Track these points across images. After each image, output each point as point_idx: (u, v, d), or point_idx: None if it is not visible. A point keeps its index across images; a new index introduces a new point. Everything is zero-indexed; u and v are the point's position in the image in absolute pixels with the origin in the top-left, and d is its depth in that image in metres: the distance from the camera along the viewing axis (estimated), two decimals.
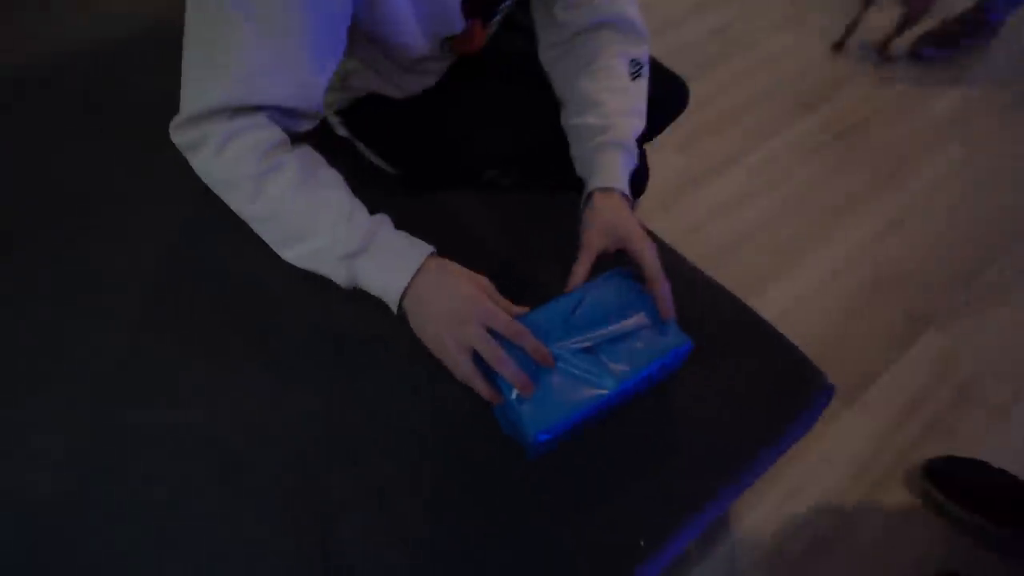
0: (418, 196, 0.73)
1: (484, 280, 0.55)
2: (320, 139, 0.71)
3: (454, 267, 0.54)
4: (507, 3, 0.67)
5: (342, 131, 0.75)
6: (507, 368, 0.50)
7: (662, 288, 0.56)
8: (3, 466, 0.52)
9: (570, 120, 0.68)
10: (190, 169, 0.52)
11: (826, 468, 1.00)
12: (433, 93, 0.75)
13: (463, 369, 0.51)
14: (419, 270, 0.52)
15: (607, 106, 0.65)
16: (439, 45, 0.64)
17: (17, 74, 0.82)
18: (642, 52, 0.68)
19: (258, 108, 0.49)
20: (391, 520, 0.52)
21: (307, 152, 0.56)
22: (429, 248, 0.54)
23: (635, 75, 0.68)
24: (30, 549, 0.49)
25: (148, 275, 0.65)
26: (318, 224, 0.51)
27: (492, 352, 0.50)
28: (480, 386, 0.51)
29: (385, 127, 0.73)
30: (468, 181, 0.75)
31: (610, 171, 0.63)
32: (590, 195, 0.63)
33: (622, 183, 0.63)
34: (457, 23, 0.61)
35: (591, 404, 0.52)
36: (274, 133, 0.51)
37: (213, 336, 0.61)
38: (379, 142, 0.75)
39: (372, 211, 0.55)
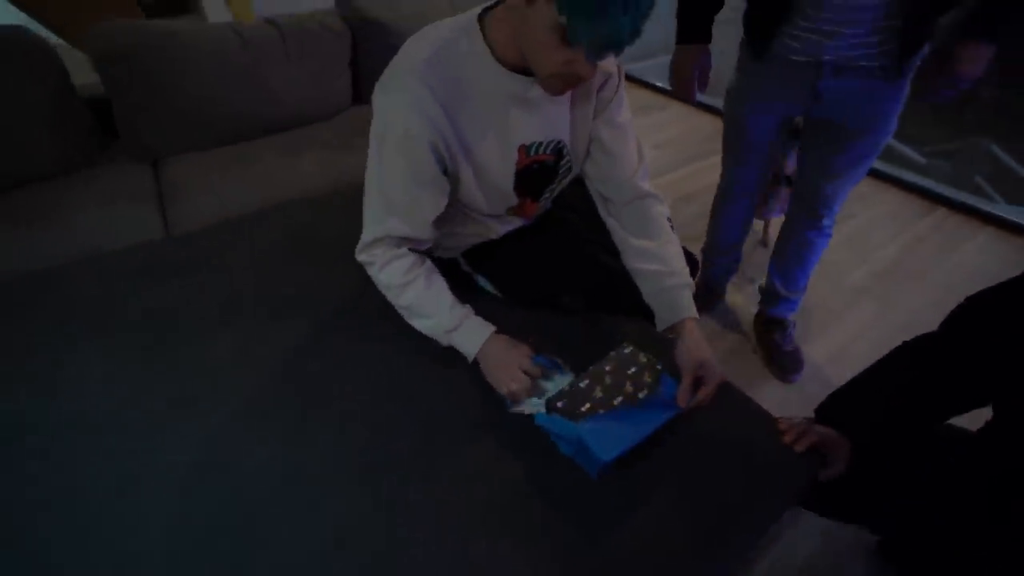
0: (513, 309, 1.04)
1: (524, 347, 0.90)
2: (451, 272, 1.08)
3: (507, 341, 0.90)
4: (552, 187, 0.99)
5: (465, 267, 1.09)
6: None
7: (691, 400, 0.83)
8: None
9: (635, 264, 0.97)
10: None
11: None
12: (525, 234, 1.08)
13: (513, 387, 0.85)
14: (485, 342, 0.89)
15: (670, 257, 0.95)
16: (504, 210, 0.98)
17: None
18: (668, 211, 0.99)
19: (401, 239, 0.88)
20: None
21: (430, 267, 0.93)
22: (492, 329, 0.91)
23: (670, 224, 0.98)
24: None
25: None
26: (434, 311, 0.90)
27: (516, 393, 0.86)
28: (523, 393, 0.85)
29: (492, 263, 1.07)
30: (549, 302, 1.05)
31: (688, 304, 0.91)
32: (681, 322, 0.90)
33: (696, 312, 0.92)
34: (513, 199, 0.95)
35: (642, 431, 0.78)
36: (412, 257, 0.89)
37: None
38: (488, 273, 1.08)
39: (476, 311, 0.91)
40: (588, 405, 0.80)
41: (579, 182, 1.20)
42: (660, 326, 0.93)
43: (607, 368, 0.87)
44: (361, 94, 1.84)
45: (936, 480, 0.80)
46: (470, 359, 0.90)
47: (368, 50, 1.76)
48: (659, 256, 0.94)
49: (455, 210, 0.97)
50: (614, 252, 1.01)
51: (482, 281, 1.09)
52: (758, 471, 0.81)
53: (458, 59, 0.79)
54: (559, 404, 0.81)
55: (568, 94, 0.87)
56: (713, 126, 1.53)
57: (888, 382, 0.83)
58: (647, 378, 0.86)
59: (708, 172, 1.68)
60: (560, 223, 1.13)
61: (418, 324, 0.91)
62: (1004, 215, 2.34)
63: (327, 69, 1.71)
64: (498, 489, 0.76)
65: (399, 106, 0.78)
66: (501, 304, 1.06)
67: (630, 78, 3.52)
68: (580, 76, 0.72)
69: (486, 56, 0.79)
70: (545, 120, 0.87)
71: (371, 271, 0.91)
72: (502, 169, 0.89)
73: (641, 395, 0.84)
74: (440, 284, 0.92)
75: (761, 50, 1.20)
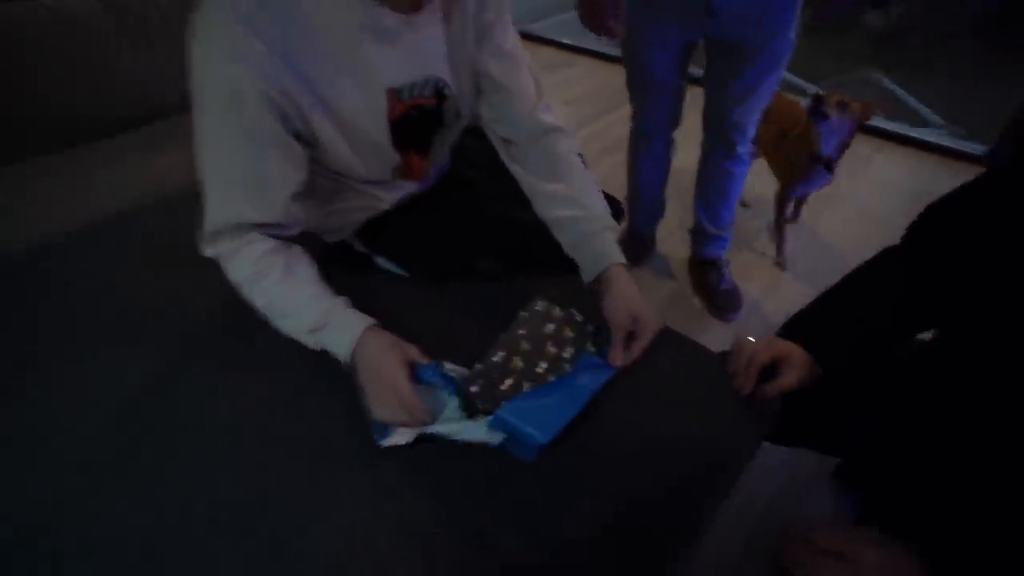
0: (419, 288, 0.90)
1: (410, 350, 0.71)
2: (343, 256, 0.93)
3: (383, 343, 0.70)
4: (440, 136, 0.83)
5: (360, 248, 0.95)
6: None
7: (625, 356, 0.76)
8: None
9: (550, 213, 0.85)
10: None
11: None
12: (422, 200, 0.94)
13: (382, 416, 0.68)
14: (358, 341, 0.70)
15: (587, 200, 0.83)
16: (389, 173, 0.82)
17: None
18: (577, 145, 0.87)
19: (252, 225, 0.70)
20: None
21: (295, 254, 0.75)
22: (366, 323, 0.71)
23: (581, 162, 0.86)
24: None
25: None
26: (294, 307, 0.72)
27: (392, 418, 0.68)
28: (413, 417, 0.67)
29: (390, 238, 0.92)
30: (462, 272, 0.92)
31: (611, 249, 0.81)
32: (607, 271, 0.80)
33: (622, 256, 0.81)
34: (394, 157, 0.78)
35: (580, 401, 0.68)
36: (265, 243, 0.72)
37: None
38: (387, 250, 0.94)
39: (383, 306, 0.73)
40: (509, 381, 0.69)
41: (479, 134, 1.08)
42: (586, 278, 0.83)
43: (521, 332, 0.76)
44: None
45: (896, 397, 0.75)
46: (345, 365, 0.71)
47: None
48: (574, 200, 0.83)
49: (332, 182, 0.82)
50: (527, 204, 0.90)
51: (382, 261, 0.95)
52: (716, 418, 0.73)
53: None
54: (473, 388, 0.69)
55: (437, 22, 0.73)
56: (623, 77, 1.45)
57: (856, 298, 0.77)
58: (568, 332, 0.76)
59: (623, 123, 1.61)
60: (461, 183, 1.00)
61: (282, 327, 0.73)
62: (903, 131, 2.41)
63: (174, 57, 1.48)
64: (410, 503, 0.64)
65: (218, 58, 0.61)
66: (406, 284, 0.92)
67: (533, 37, 3.40)
68: None
69: None
70: (413, 55, 0.73)
71: (224, 268, 0.73)
72: (372, 121, 0.74)
73: (566, 354, 0.74)
74: (304, 273, 0.74)
75: None
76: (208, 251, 0.73)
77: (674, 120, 1.47)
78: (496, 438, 0.64)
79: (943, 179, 2.17)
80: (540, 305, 0.80)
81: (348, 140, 0.74)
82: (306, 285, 0.74)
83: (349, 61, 0.68)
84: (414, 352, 0.71)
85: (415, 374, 0.69)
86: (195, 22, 0.62)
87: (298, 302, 0.72)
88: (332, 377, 0.73)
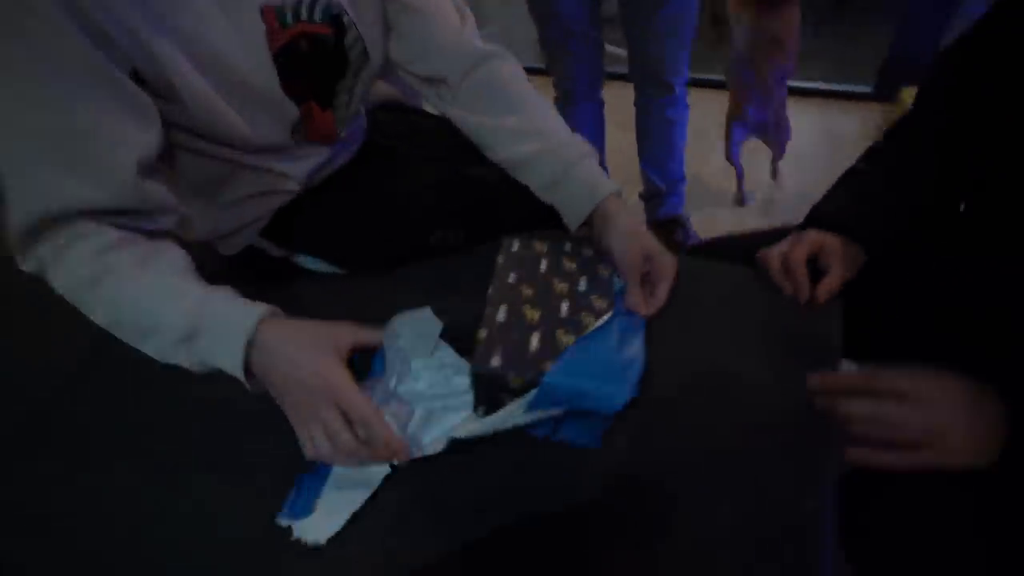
0: (365, 284, 0.69)
1: (343, 331, 0.50)
2: (251, 268, 0.70)
3: (296, 333, 0.49)
4: (345, 82, 0.64)
5: (276, 251, 0.73)
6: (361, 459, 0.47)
7: (650, 304, 0.58)
8: None
9: (512, 153, 0.66)
10: None
11: None
12: (341, 176, 0.73)
13: (314, 437, 0.47)
14: (251, 344, 0.47)
15: (550, 126, 0.66)
16: (287, 134, 0.62)
17: None
18: (518, 66, 0.70)
19: (79, 212, 0.47)
20: None
21: (152, 246, 0.52)
22: (257, 313, 0.48)
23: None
24: None
25: None
26: (152, 314, 0.48)
27: (337, 452, 0.47)
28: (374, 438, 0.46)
29: (311, 228, 0.71)
30: (417, 253, 0.72)
31: (601, 179, 0.64)
32: (601, 206, 0.62)
33: (615, 184, 0.64)
34: (286, 104, 0.59)
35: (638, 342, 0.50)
36: (103, 237, 0.48)
37: None
38: (311, 245, 0.72)
39: (319, 317, 0.51)
40: (536, 337, 0.49)
41: (391, 108, 0.90)
42: (574, 223, 0.65)
43: (511, 279, 0.57)
44: None
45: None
46: (243, 381, 0.49)
47: None
48: (538, 131, 0.65)
49: (214, 161, 0.60)
50: (473, 157, 0.72)
51: (306, 261, 0.73)
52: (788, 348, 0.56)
53: None
54: (495, 363, 0.46)
55: None
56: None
57: (885, 169, 0.64)
58: (569, 263, 0.59)
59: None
60: (384, 152, 0.81)
61: (146, 347, 0.50)
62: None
63: None
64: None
65: None
66: (343, 283, 0.71)
67: None
68: None
69: None
70: None
71: (48, 281, 0.50)
72: (248, 55, 0.53)
73: (582, 286, 0.56)
74: (167, 264, 0.52)
75: None
76: (26, 263, 0.49)
77: (598, 76, 1.37)
78: (536, 417, 0.44)
79: (847, 120, 2.20)
80: (517, 245, 0.61)
81: (219, 86, 0.52)
82: (167, 277, 0.50)
83: None
84: (348, 334, 0.50)
85: (363, 368, 0.49)
86: None
87: (155, 303, 0.49)
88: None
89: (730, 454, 0.45)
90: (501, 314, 0.51)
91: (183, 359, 0.49)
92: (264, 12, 0.53)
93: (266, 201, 0.68)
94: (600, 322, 0.50)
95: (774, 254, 0.62)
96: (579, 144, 0.65)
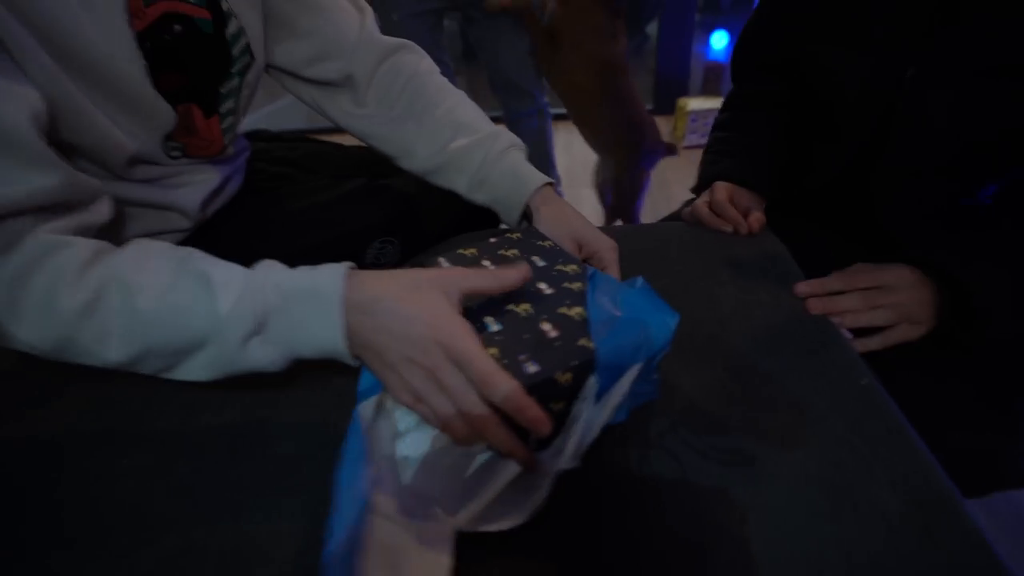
0: None
1: (451, 275, 0.37)
2: None
3: (396, 282, 0.36)
4: (231, 85, 0.55)
5: None
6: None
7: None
8: None
9: (434, 153, 0.61)
10: None
11: None
12: (238, 205, 0.63)
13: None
14: (347, 308, 0.36)
15: (471, 119, 0.61)
16: (160, 144, 0.51)
17: None
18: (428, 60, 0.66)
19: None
20: None
21: (134, 244, 0.40)
22: (340, 269, 0.37)
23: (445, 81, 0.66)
24: None
25: None
26: (191, 326, 0.37)
27: (459, 405, 0.34)
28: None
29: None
30: None
31: (529, 170, 0.60)
32: (532, 199, 0.58)
33: (545, 176, 0.60)
34: (160, 105, 0.48)
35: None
36: (74, 250, 0.37)
37: None
38: None
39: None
40: (548, 324, 0.37)
41: (266, 136, 0.80)
42: (510, 220, 0.61)
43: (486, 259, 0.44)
44: None
45: None
46: (350, 360, 0.38)
47: None
48: (460, 124, 0.61)
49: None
50: (382, 171, 0.67)
51: None
52: None
53: None
54: (532, 371, 0.33)
55: None
56: None
57: (745, 132, 0.73)
58: (511, 252, 0.45)
59: None
60: (281, 176, 0.71)
61: (188, 370, 0.39)
62: None
63: None
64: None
65: None
66: None
67: None
68: None
69: None
70: None
71: (5, 341, 0.38)
72: (104, 29, 0.42)
73: (539, 263, 0.44)
74: (168, 255, 0.39)
75: None
76: None
77: None
78: (616, 401, 0.36)
79: None
80: (446, 261, 0.44)
81: (74, 73, 0.41)
82: (188, 266, 0.38)
83: None
84: (457, 278, 0.37)
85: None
86: None
87: (198, 302, 0.36)
88: None
89: (765, 373, 0.45)
90: (492, 326, 0.38)
91: (255, 357, 0.38)
92: None
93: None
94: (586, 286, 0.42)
95: (700, 204, 0.68)
96: (503, 135, 0.62)
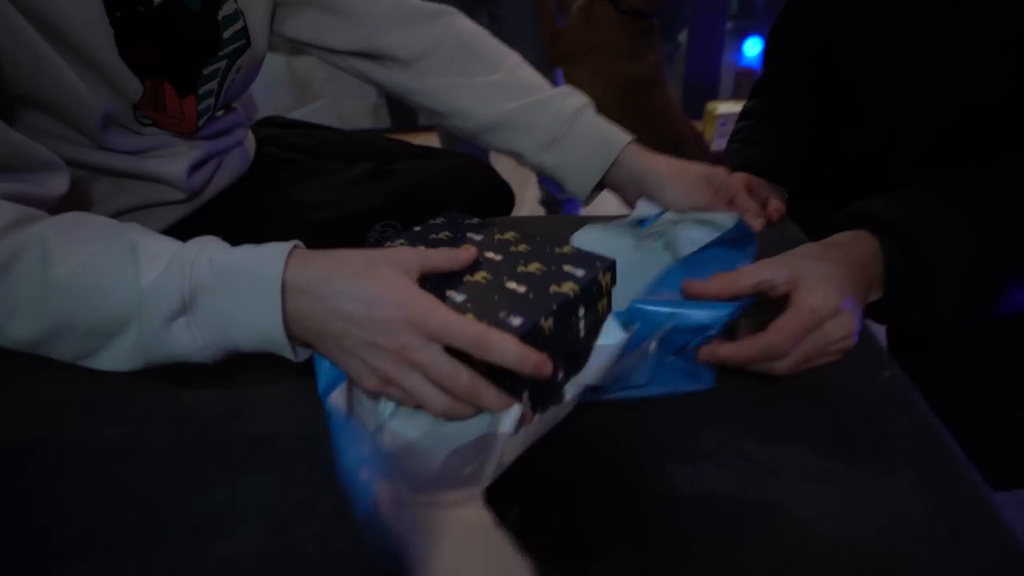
0: None
1: (402, 252, 0.35)
2: None
3: (342, 260, 0.34)
4: (216, 67, 0.53)
5: None
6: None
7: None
8: None
9: (494, 112, 0.57)
10: None
11: None
12: (244, 189, 0.63)
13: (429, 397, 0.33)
14: (286, 290, 0.33)
15: (533, 82, 0.58)
16: (132, 112, 0.49)
17: None
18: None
19: None
20: None
21: (68, 215, 0.37)
22: (284, 247, 0.34)
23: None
24: None
25: None
26: (110, 299, 0.33)
27: (447, 395, 0.33)
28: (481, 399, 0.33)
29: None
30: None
31: (608, 127, 0.56)
32: (620, 156, 0.54)
33: (627, 134, 0.56)
34: (126, 79, 0.46)
35: None
36: None
37: None
38: None
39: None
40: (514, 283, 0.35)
41: (276, 122, 0.80)
42: (582, 189, 0.56)
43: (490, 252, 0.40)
44: None
45: None
46: (290, 353, 0.35)
47: None
48: (518, 85, 0.57)
49: (71, 165, 0.44)
50: (389, 158, 0.66)
51: None
52: None
53: None
54: (516, 323, 0.32)
55: None
56: None
57: (769, 117, 0.70)
58: (473, 236, 0.43)
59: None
60: (287, 162, 0.71)
61: (107, 358, 0.35)
62: None
63: None
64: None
65: None
66: None
67: None
68: None
69: None
70: None
71: None
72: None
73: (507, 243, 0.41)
74: (101, 227, 0.36)
75: None
76: None
77: None
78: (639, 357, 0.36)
79: None
80: (403, 236, 0.44)
81: (36, 24, 0.39)
82: (119, 239, 0.35)
83: None
84: (412, 255, 0.34)
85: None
86: None
87: (121, 275, 0.33)
88: None
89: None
90: (457, 297, 0.35)
91: (181, 342, 0.34)
92: None
93: (142, 220, 0.53)
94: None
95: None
96: (573, 94, 0.57)
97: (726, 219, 0.45)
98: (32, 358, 0.36)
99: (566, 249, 0.39)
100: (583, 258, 0.38)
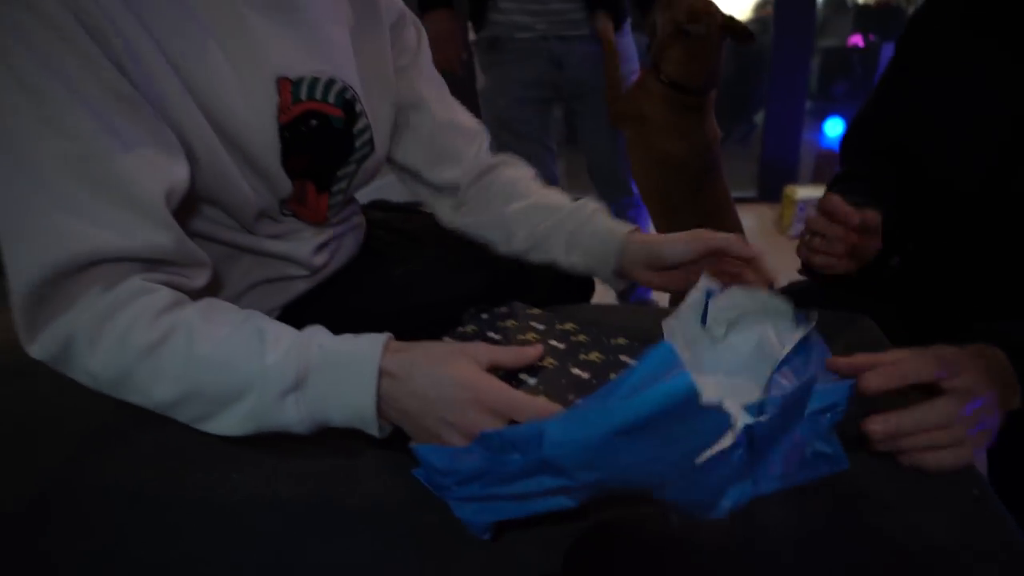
0: None
1: (476, 347, 0.42)
2: None
3: (425, 352, 0.41)
4: (347, 170, 0.64)
5: None
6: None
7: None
8: None
9: (524, 235, 0.68)
10: None
11: None
12: (354, 269, 0.72)
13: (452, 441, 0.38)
14: (381, 374, 0.40)
15: (556, 202, 0.68)
16: (277, 206, 0.59)
17: None
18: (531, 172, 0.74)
19: (113, 262, 0.41)
20: None
21: (206, 302, 0.46)
22: (380, 340, 0.41)
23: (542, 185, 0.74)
24: None
25: None
26: (238, 373, 0.41)
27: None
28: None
29: (334, 319, 0.66)
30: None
31: (615, 223, 0.64)
32: (624, 242, 0.62)
33: (630, 224, 0.64)
34: (281, 181, 0.56)
35: None
36: (157, 296, 0.43)
37: None
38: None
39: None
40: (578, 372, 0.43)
41: (391, 208, 0.91)
42: (607, 275, 0.65)
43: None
44: None
45: None
46: (375, 430, 0.42)
47: None
48: (544, 206, 0.67)
49: (215, 242, 0.57)
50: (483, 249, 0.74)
51: None
52: None
53: None
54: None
55: (343, 19, 0.59)
56: None
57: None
58: (506, 322, 0.52)
59: None
60: (392, 245, 0.80)
61: (223, 422, 0.43)
62: None
63: None
64: None
65: None
66: None
67: None
68: None
69: None
70: (311, 42, 0.55)
71: (71, 367, 0.42)
72: (256, 121, 0.51)
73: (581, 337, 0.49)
74: (234, 314, 0.45)
75: (480, 21, 1.24)
76: (39, 344, 0.41)
77: (550, 179, 1.47)
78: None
79: (744, 219, 2.53)
80: (452, 334, 0.53)
81: (225, 143, 0.51)
82: (248, 324, 0.43)
83: (226, 32, 0.48)
84: (484, 351, 0.41)
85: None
86: None
87: (248, 354, 0.41)
88: None
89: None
90: (529, 380, 0.43)
91: (287, 414, 0.41)
92: (280, 83, 0.52)
93: (273, 292, 0.65)
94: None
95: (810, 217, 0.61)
96: (587, 203, 0.67)
97: (779, 304, 0.48)
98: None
99: (620, 340, 0.46)
100: (637, 349, 0.44)
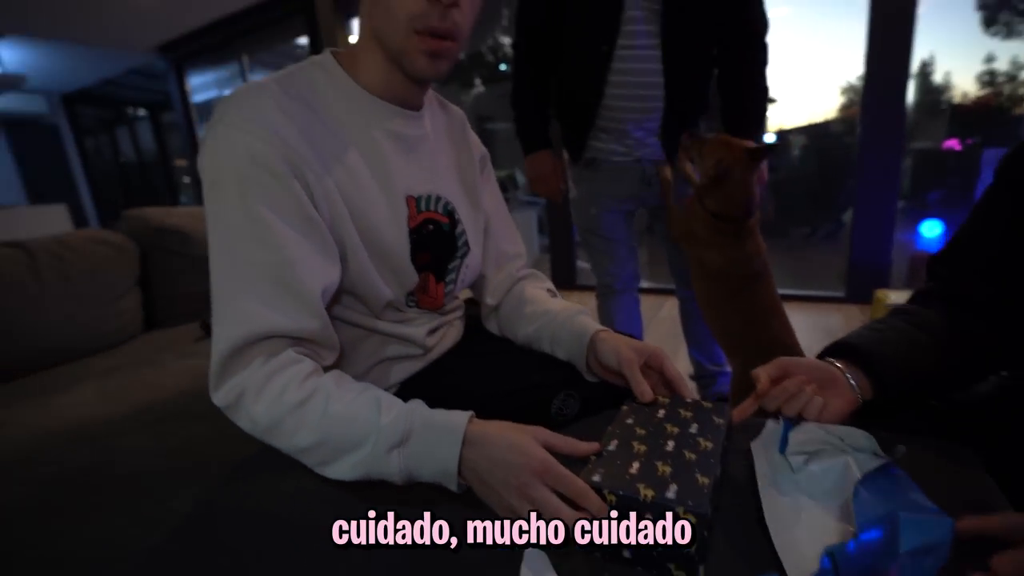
0: None
1: (539, 430, 0.54)
2: None
3: (499, 427, 0.53)
4: (455, 264, 0.78)
5: None
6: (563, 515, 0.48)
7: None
8: None
9: (528, 334, 0.80)
10: None
11: None
12: (460, 351, 0.83)
13: (522, 513, 0.49)
14: (464, 441, 0.51)
15: (552, 308, 0.79)
16: (405, 295, 0.72)
17: None
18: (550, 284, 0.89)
19: (280, 338, 0.55)
20: None
21: (335, 373, 0.59)
22: (466, 415, 0.53)
23: (553, 295, 0.86)
24: None
25: None
26: (359, 428, 0.53)
27: (552, 513, 0.48)
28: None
29: (442, 396, 0.75)
30: (541, 419, 0.74)
31: (587, 324, 0.74)
32: (591, 341, 0.72)
33: (598, 326, 0.74)
34: (411, 274, 0.71)
35: None
36: (304, 365, 0.56)
37: None
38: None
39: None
40: (636, 465, 0.52)
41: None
42: (583, 367, 0.75)
43: (628, 422, 0.60)
44: (156, 316, 1.45)
45: None
46: (454, 486, 0.53)
47: (165, 266, 1.45)
48: (541, 312, 0.79)
49: (349, 325, 0.70)
50: None
51: None
52: None
53: (312, 87, 0.63)
54: (595, 479, 0.50)
55: (448, 147, 0.77)
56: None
57: (902, 330, 0.67)
58: (685, 413, 0.62)
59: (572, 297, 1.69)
60: (488, 333, 0.91)
61: (340, 467, 0.54)
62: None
63: (102, 291, 1.31)
64: None
65: (239, 128, 0.55)
66: None
67: None
68: (439, 28, 0.59)
69: (348, 83, 0.65)
70: (427, 167, 0.72)
71: (239, 414, 0.55)
72: (393, 228, 0.68)
73: (693, 429, 0.59)
74: (357, 384, 0.59)
75: (578, 154, 1.38)
76: (222, 393, 0.54)
77: (634, 273, 1.55)
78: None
79: (832, 319, 2.46)
80: (636, 401, 0.66)
81: (370, 247, 0.66)
82: (367, 393, 0.57)
83: (372, 161, 0.66)
84: (543, 432, 0.54)
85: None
86: (219, 107, 0.57)
87: (368, 414, 0.53)
88: None
89: None
90: (611, 446, 0.56)
91: (391, 466, 0.52)
92: (408, 199, 0.69)
93: (394, 369, 0.75)
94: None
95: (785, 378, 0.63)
96: (571, 308, 0.78)
97: (860, 438, 0.54)
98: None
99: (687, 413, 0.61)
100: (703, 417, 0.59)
